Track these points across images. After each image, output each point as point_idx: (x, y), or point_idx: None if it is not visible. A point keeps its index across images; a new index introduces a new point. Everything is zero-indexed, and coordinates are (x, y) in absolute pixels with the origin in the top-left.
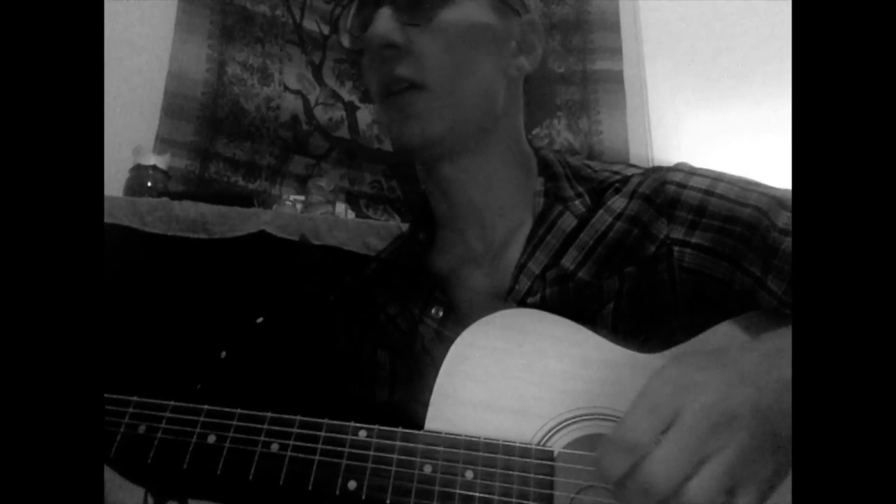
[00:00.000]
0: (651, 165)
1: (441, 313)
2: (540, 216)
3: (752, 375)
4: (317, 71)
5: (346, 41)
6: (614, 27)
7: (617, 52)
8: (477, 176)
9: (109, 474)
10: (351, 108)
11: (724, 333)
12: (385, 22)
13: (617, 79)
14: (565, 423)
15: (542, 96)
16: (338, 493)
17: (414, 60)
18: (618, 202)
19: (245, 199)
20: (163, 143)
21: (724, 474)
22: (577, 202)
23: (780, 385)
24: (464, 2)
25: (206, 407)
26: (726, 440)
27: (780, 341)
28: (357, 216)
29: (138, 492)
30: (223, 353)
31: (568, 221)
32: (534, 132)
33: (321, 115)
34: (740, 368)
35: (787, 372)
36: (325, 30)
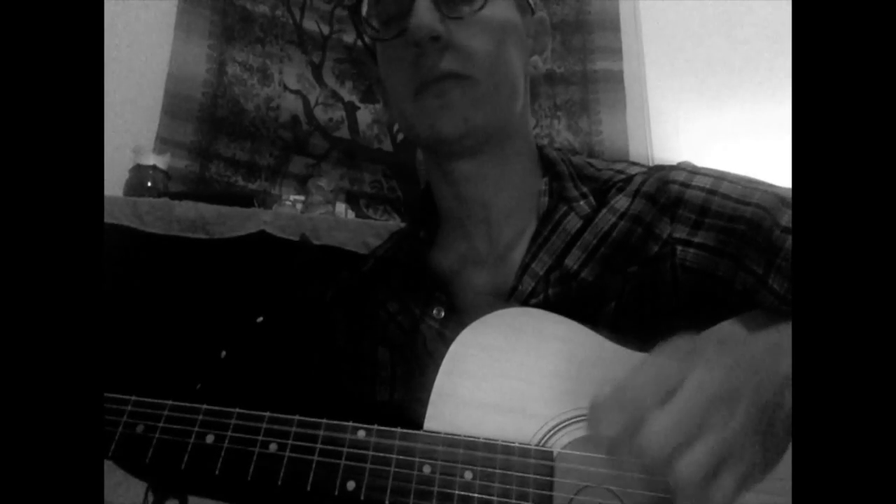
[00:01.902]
0: (653, 164)
1: (442, 314)
2: (544, 216)
3: (756, 363)
4: (317, 71)
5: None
6: (614, 27)
7: (617, 52)
8: (490, 174)
9: (111, 471)
10: (351, 108)
11: (726, 332)
12: (427, 13)
13: (617, 79)
14: (565, 424)
15: (535, 93)
16: (336, 493)
17: (458, 52)
18: (621, 201)
19: (245, 199)
20: (163, 143)
21: (716, 450)
22: (581, 203)
23: (780, 379)
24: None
25: (204, 406)
26: (724, 418)
27: (781, 337)
28: (357, 216)
29: (139, 489)
30: (223, 353)
31: (573, 223)
32: (534, 131)
33: (321, 115)
34: (746, 355)
35: (787, 367)
36: (325, 30)
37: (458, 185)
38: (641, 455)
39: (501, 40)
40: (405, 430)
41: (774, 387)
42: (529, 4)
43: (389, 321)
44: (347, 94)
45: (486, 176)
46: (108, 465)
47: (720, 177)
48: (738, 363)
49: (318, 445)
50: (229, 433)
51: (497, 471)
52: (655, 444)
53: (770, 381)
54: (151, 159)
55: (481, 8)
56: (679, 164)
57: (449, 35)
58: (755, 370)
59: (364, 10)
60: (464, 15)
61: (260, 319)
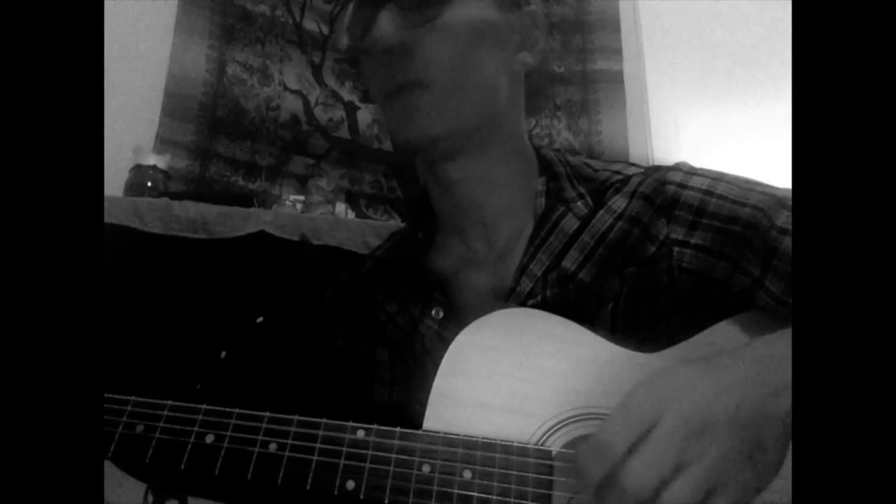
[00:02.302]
0: (651, 165)
1: (441, 314)
2: (542, 217)
3: (736, 384)
4: (317, 71)
5: (344, 42)
6: (614, 27)
7: (617, 52)
8: (480, 175)
9: (111, 472)
10: (351, 108)
11: (723, 333)
12: (387, 24)
13: (617, 79)
14: (563, 423)
15: (539, 88)
16: (336, 492)
17: (417, 60)
18: (618, 202)
19: (245, 199)
20: (163, 143)
21: (700, 481)
22: (579, 203)
23: (768, 390)
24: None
25: (203, 406)
26: (704, 448)
27: (771, 347)
28: (357, 216)
29: (139, 490)
30: (223, 353)
31: (570, 223)
32: (534, 132)
33: (321, 115)
34: (725, 377)
35: (776, 378)
36: (325, 30)
37: (450, 188)
38: (625, 496)
39: (470, 44)
40: (404, 430)
41: (758, 403)
42: (518, 1)
43: (388, 322)
44: (347, 94)
45: (475, 178)
46: (108, 466)
47: (717, 178)
48: (719, 386)
49: (318, 445)
50: (229, 433)
51: (496, 470)
52: (637, 483)
53: (754, 398)
54: (151, 159)
55: (439, 15)
56: (676, 164)
57: (410, 44)
58: (736, 390)
59: (347, 19)
60: (425, 22)
61: (260, 320)
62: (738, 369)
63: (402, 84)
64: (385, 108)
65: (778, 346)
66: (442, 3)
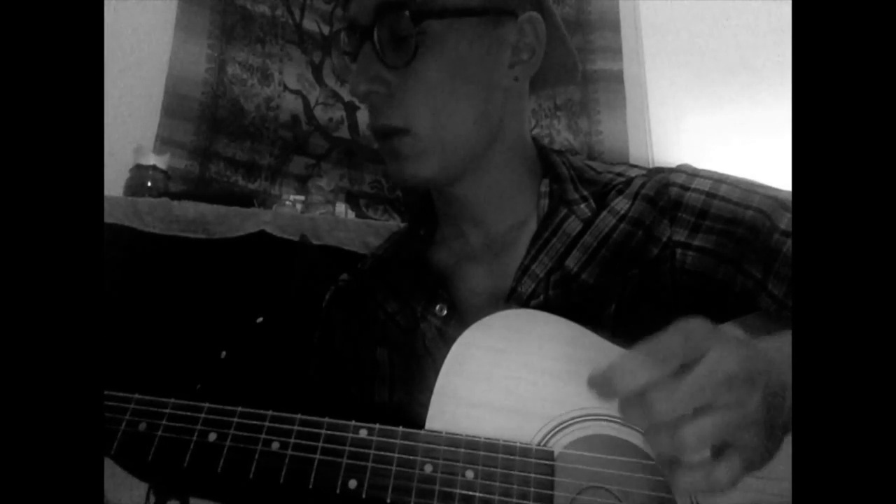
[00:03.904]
0: (651, 165)
1: (445, 311)
2: (544, 219)
3: (768, 361)
4: (317, 71)
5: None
6: (614, 27)
7: (617, 52)
8: (478, 189)
9: (112, 471)
10: (351, 108)
11: (733, 331)
12: (363, 69)
13: (617, 79)
14: (566, 424)
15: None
16: (338, 491)
17: (397, 106)
18: (621, 203)
19: (245, 199)
20: (163, 143)
21: (720, 429)
22: (582, 206)
23: (781, 380)
24: (447, 32)
25: (206, 405)
26: (736, 399)
27: (779, 342)
28: (357, 216)
29: (140, 489)
30: (223, 353)
31: (573, 225)
32: (533, 132)
33: (321, 115)
34: (760, 350)
35: (786, 371)
36: (325, 30)
37: (450, 200)
38: (650, 413)
39: (450, 83)
40: (407, 430)
41: (780, 388)
42: (506, 10)
43: (388, 321)
44: (347, 94)
45: (476, 190)
46: (110, 465)
47: (720, 179)
48: (754, 355)
49: (320, 444)
50: (232, 431)
51: (498, 470)
52: (667, 407)
53: (778, 382)
54: (151, 159)
55: (415, 56)
56: (679, 166)
57: (388, 87)
58: (767, 366)
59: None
60: (401, 65)
61: (260, 320)
62: (765, 351)
63: (386, 130)
64: (379, 149)
65: (786, 343)
66: (418, 43)
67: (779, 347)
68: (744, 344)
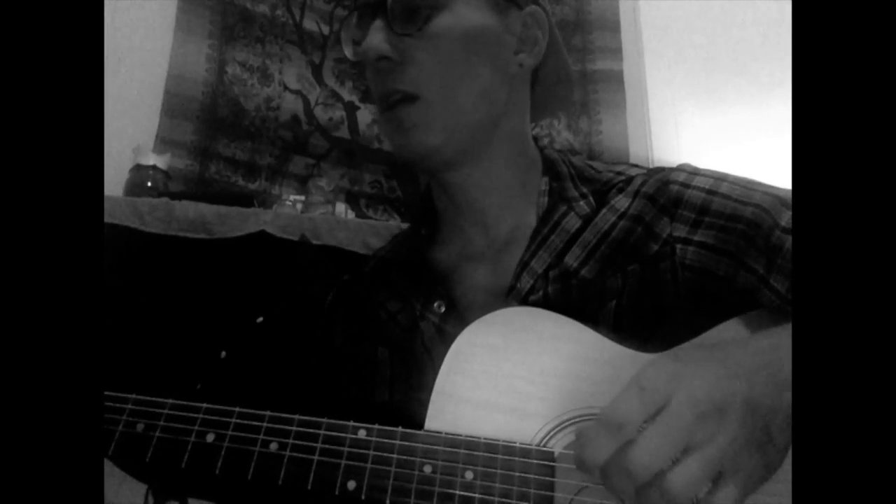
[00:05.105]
0: (651, 165)
1: (443, 308)
2: (544, 215)
3: (745, 370)
4: (317, 71)
5: (349, 53)
6: (614, 27)
7: (617, 52)
8: (479, 179)
9: (112, 472)
10: (351, 108)
11: (728, 331)
12: (377, 34)
13: (617, 79)
14: (566, 423)
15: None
16: (337, 492)
17: (407, 72)
18: (621, 201)
19: (245, 199)
20: (163, 143)
21: (707, 465)
22: (581, 203)
23: (773, 381)
24: (458, 6)
25: (204, 405)
26: (713, 431)
27: (776, 339)
28: (357, 216)
29: (139, 490)
30: (223, 353)
31: (572, 222)
32: (533, 132)
33: (321, 115)
34: (733, 363)
35: (781, 369)
36: (325, 30)
37: (450, 190)
38: (631, 476)
39: (460, 53)
40: (406, 430)
41: (767, 388)
42: (516, 1)
43: (389, 320)
44: (347, 94)
45: (476, 182)
46: (110, 466)
47: (720, 178)
48: (728, 372)
49: (319, 445)
50: (230, 432)
51: (498, 471)
52: (645, 462)
53: (765, 387)
54: (151, 159)
55: (427, 25)
56: (679, 165)
57: (401, 54)
58: (745, 377)
59: (350, 30)
60: (413, 32)
61: (260, 320)
62: (747, 357)
63: (395, 97)
64: (382, 120)
65: (783, 338)
66: (430, 12)
67: (770, 347)
68: (717, 359)
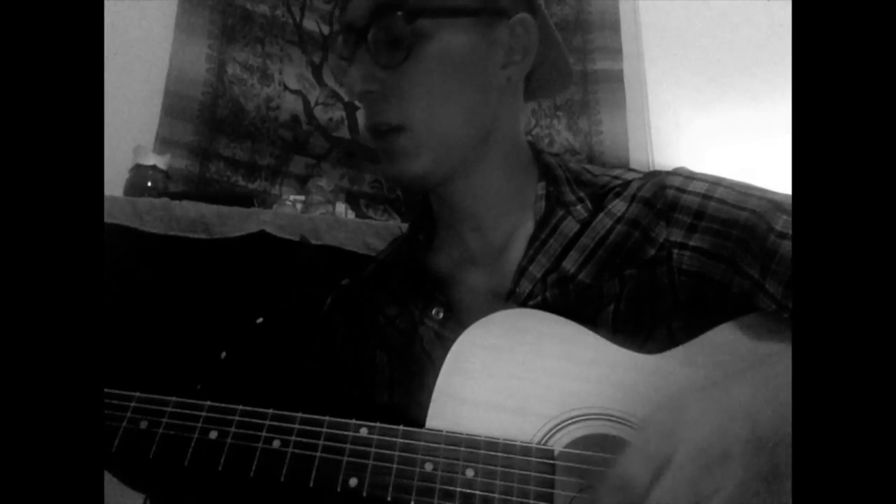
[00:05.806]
0: (651, 165)
1: (441, 314)
2: (542, 220)
3: (746, 408)
4: (317, 71)
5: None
6: (614, 27)
7: (617, 52)
8: (474, 188)
9: (109, 479)
10: (351, 108)
11: (725, 335)
12: (360, 69)
13: (617, 79)
14: (566, 423)
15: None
16: (339, 489)
17: (392, 104)
18: (618, 206)
19: (245, 199)
20: (163, 143)
21: None
22: (578, 207)
23: (777, 415)
24: (442, 33)
25: (207, 403)
26: (721, 480)
27: (774, 368)
28: (357, 216)
29: (137, 499)
30: (223, 353)
31: (570, 226)
32: (533, 132)
33: (321, 115)
34: (734, 403)
35: (784, 400)
36: (325, 30)
37: (446, 200)
38: None
39: (443, 79)
40: (407, 428)
41: (775, 423)
42: (498, 11)
43: (388, 325)
44: (347, 94)
45: (471, 192)
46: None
47: (716, 182)
48: (729, 414)
49: (321, 442)
50: (233, 429)
51: (499, 469)
52: None
53: (769, 421)
54: (151, 159)
55: (408, 56)
56: (675, 169)
57: (384, 86)
58: (746, 416)
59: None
60: (395, 66)
61: (260, 320)
62: (748, 393)
63: (382, 128)
64: (375, 149)
65: (783, 366)
66: (413, 41)
67: (769, 377)
68: (711, 413)
